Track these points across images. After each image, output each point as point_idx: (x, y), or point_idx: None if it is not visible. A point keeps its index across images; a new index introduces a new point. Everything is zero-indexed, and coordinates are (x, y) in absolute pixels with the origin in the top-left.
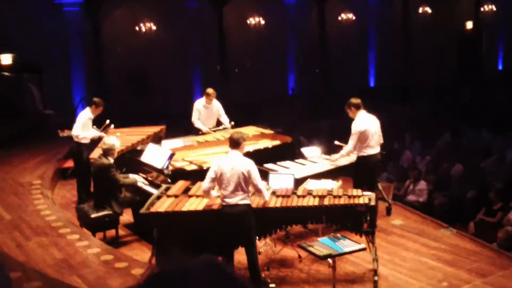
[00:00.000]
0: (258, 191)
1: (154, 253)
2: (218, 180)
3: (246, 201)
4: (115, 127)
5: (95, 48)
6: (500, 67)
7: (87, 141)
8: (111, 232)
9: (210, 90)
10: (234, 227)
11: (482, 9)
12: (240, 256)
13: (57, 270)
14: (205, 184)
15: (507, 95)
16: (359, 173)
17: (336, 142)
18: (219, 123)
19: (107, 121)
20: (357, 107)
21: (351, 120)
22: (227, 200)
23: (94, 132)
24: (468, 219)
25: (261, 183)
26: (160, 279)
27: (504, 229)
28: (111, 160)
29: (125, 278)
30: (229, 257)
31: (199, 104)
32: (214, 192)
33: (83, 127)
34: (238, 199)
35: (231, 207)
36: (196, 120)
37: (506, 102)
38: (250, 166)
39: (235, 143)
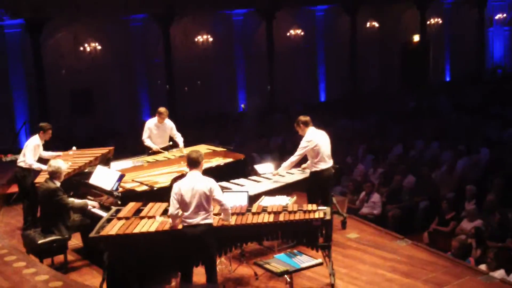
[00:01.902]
0: (222, 206)
1: (105, 278)
2: (180, 202)
3: (208, 221)
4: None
5: (37, 70)
6: (447, 79)
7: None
8: (59, 258)
9: (162, 109)
10: (195, 246)
11: (428, 22)
12: (194, 276)
13: None
14: (172, 209)
15: (452, 106)
16: (313, 188)
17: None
18: (171, 141)
19: (74, 148)
20: (306, 124)
21: (301, 136)
22: (189, 220)
23: (48, 154)
24: (421, 229)
25: (225, 200)
26: None
27: (457, 238)
28: (58, 184)
29: None
30: (188, 276)
31: (151, 123)
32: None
33: (32, 155)
34: (200, 219)
35: (193, 227)
36: (146, 138)
37: (452, 113)
38: (212, 184)
39: (194, 163)
